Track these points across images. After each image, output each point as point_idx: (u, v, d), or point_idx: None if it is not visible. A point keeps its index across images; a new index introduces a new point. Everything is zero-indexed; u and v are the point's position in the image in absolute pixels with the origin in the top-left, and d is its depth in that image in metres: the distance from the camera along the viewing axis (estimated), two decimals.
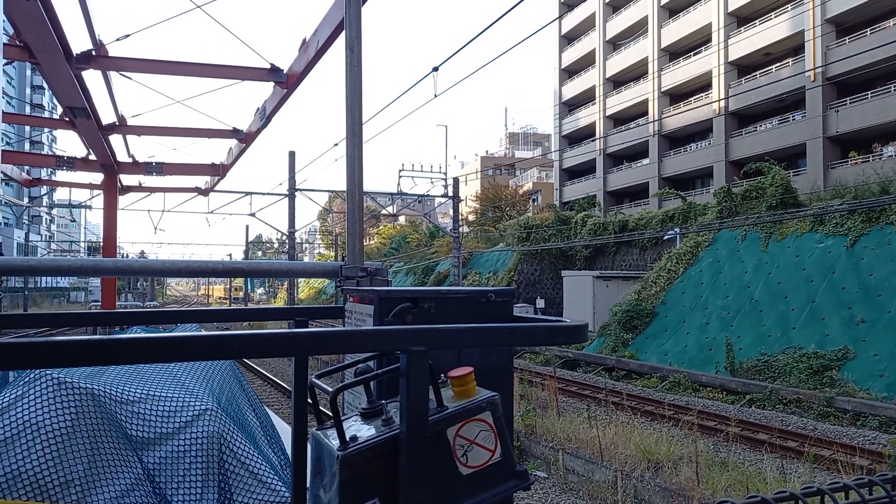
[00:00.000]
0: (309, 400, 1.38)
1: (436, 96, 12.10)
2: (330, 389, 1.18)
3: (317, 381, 1.31)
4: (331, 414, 1.16)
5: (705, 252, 22.17)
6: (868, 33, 27.61)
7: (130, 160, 9.22)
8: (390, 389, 1.35)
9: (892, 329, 14.70)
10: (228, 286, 60.05)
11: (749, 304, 18.79)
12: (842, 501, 0.94)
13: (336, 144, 16.92)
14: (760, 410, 13.88)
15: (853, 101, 28.21)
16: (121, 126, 7.50)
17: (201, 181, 11.57)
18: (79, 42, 6.14)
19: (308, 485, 1.29)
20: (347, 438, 1.13)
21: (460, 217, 27.25)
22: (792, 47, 32.11)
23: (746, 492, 7.89)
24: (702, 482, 8.59)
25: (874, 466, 9.45)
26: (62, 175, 16.04)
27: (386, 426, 1.16)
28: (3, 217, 61.97)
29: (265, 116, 6.67)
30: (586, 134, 47.67)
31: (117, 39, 5.56)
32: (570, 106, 50.08)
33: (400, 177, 25.89)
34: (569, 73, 50.24)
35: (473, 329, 1.16)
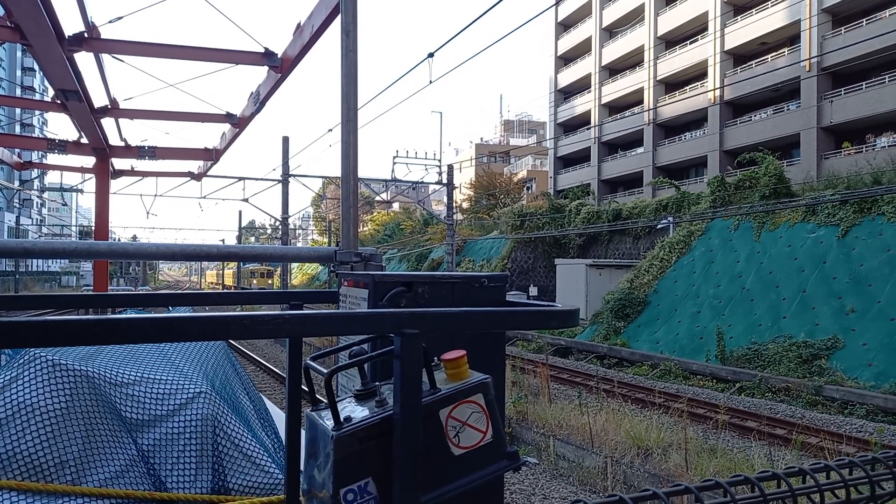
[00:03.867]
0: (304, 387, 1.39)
1: (431, 82, 12.08)
2: (325, 371, 1.19)
3: (311, 364, 1.32)
4: (324, 397, 1.17)
5: (698, 241, 22.26)
6: (864, 23, 27.59)
7: (123, 144, 9.14)
8: (384, 372, 1.36)
9: (881, 319, 14.84)
10: (250, 271, 54.74)
11: (740, 294, 18.91)
12: (823, 481, 0.96)
13: (330, 130, 16.85)
14: (750, 398, 14.02)
15: (848, 92, 28.24)
16: (113, 109, 7.42)
17: (194, 166, 11.48)
18: (71, 24, 6.07)
19: (302, 466, 1.30)
20: (342, 419, 1.14)
21: (454, 204, 27.23)
22: (788, 37, 32.07)
23: None
24: (690, 468, 8.70)
25: (860, 454, 9.58)
26: (53, 158, 15.91)
27: (380, 407, 1.17)
28: None
29: (259, 101, 6.62)
30: (581, 122, 47.59)
31: (110, 21, 5.49)
32: (565, 94, 49.93)
33: (394, 163, 25.78)
34: (564, 60, 50.04)
35: (467, 312, 1.18)
